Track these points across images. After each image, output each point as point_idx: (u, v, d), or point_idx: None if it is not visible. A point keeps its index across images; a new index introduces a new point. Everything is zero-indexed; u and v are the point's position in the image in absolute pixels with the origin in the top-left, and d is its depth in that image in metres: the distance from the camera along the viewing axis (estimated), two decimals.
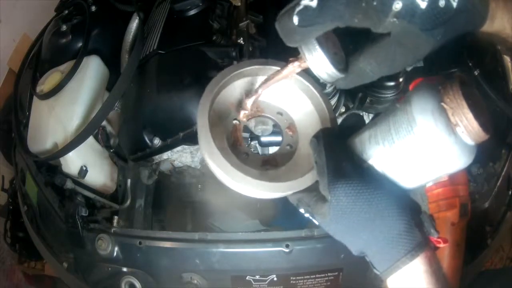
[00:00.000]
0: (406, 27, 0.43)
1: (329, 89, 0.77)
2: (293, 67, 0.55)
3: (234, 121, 0.63)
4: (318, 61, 0.51)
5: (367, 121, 0.86)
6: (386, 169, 0.51)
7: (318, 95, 0.62)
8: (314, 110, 0.64)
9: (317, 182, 0.52)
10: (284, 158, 0.62)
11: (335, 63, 0.52)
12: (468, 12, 0.45)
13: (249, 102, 0.60)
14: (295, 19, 0.46)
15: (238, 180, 0.54)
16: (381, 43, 0.47)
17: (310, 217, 0.53)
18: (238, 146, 0.61)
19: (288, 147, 0.63)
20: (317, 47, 0.51)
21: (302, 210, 0.54)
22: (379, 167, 0.51)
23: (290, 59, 0.56)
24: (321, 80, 0.55)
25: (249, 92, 0.61)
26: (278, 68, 0.59)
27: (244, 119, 0.63)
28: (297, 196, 0.55)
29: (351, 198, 0.47)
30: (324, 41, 0.52)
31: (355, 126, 0.56)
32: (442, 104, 0.45)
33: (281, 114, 0.65)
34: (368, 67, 0.49)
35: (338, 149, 0.52)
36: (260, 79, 0.64)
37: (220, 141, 0.59)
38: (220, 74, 0.61)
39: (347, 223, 0.48)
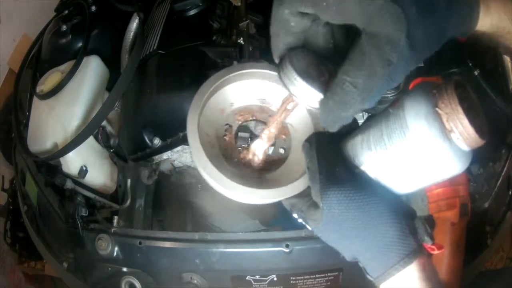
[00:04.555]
0: (361, 4, 0.40)
1: None
2: (287, 106, 0.54)
3: (225, 126, 0.62)
4: (302, 89, 0.48)
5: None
6: (379, 175, 0.49)
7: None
8: (307, 113, 0.63)
9: (310, 187, 0.51)
10: (277, 163, 0.61)
11: (321, 87, 0.48)
12: None
13: (253, 149, 0.59)
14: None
15: (227, 188, 0.53)
16: (353, 45, 0.44)
17: (304, 223, 0.53)
18: (230, 151, 0.61)
19: (281, 150, 0.62)
20: (295, 73, 0.48)
21: (295, 215, 0.54)
22: (372, 173, 0.50)
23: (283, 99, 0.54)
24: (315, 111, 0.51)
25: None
26: (266, 71, 0.59)
27: (237, 122, 0.63)
28: (290, 201, 0.54)
29: (343, 205, 0.46)
30: (305, 68, 0.49)
31: (347, 130, 0.54)
32: (437, 109, 0.44)
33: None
34: (347, 78, 0.43)
35: (331, 154, 0.51)
36: (251, 82, 0.63)
37: (212, 147, 0.58)
38: (210, 79, 0.60)
39: (340, 230, 0.47)
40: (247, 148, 0.60)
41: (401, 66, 0.43)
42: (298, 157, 0.60)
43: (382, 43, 0.41)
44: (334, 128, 0.47)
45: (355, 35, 0.44)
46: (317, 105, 0.49)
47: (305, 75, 0.48)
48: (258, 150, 0.59)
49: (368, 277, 0.49)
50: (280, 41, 0.50)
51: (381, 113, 0.50)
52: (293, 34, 0.49)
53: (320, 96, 0.48)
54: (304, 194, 0.53)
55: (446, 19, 0.44)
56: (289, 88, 0.50)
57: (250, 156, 0.59)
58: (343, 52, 0.47)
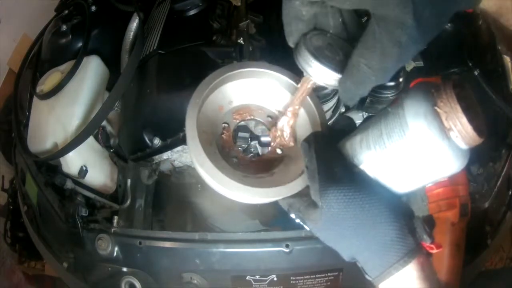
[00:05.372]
0: None
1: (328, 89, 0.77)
2: (306, 84, 0.56)
3: (223, 124, 0.62)
4: (318, 70, 0.52)
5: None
6: (378, 174, 0.50)
7: (308, 98, 0.62)
8: (305, 113, 0.63)
9: (308, 187, 0.51)
10: (275, 162, 0.61)
11: (337, 66, 0.52)
12: None
13: (279, 125, 0.61)
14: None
15: (225, 186, 0.53)
16: (367, 28, 0.46)
17: (301, 223, 0.53)
18: (227, 150, 0.61)
19: (278, 150, 0.62)
20: (310, 56, 0.51)
21: (293, 215, 0.54)
22: (371, 172, 0.50)
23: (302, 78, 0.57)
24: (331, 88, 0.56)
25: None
26: (263, 70, 0.60)
27: (235, 121, 0.63)
28: (287, 201, 0.54)
29: (342, 204, 0.46)
30: (319, 49, 0.52)
31: (346, 130, 0.55)
32: (436, 108, 0.44)
33: (271, 117, 0.64)
34: (361, 60, 0.47)
35: (329, 154, 0.51)
36: (251, 81, 0.63)
37: (209, 145, 0.58)
38: (210, 76, 0.60)
39: (339, 230, 0.48)
40: (275, 126, 0.61)
41: (410, 46, 0.45)
42: (296, 157, 0.60)
43: (391, 26, 0.43)
44: (352, 103, 0.53)
45: (363, 11, 0.47)
46: (333, 83, 0.53)
47: (320, 57, 0.52)
48: (286, 125, 0.60)
49: (367, 277, 0.48)
50: (293, 29, 0.53)
51: (380, 113, 0.51)
52: (304, 21, 0.52)
53: (335, 75, 0.52)
54: (302, 194, 0.53)
55: (452, 6, 0.45)
56: (307, 69, 0.53)
57: (278, 133, 0.61)
58: (352, 26, 0.53)
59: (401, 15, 0.42)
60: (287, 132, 0.61)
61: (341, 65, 0.52)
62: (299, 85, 0.58)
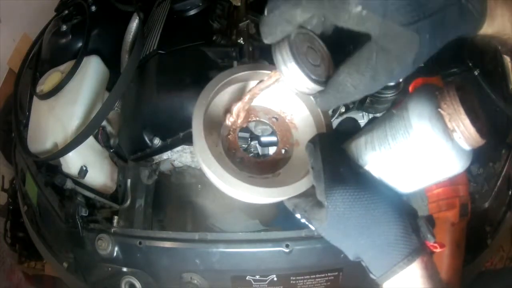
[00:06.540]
0: (383, 24, 0.42)
1: None
2: (274, 80, 0.55)
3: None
4: (295, 75, 0.50)
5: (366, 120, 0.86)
6: (382, 174, 0.50)
7: (313, 100, 0.62)
8: (310, 115, 0.63)
9: (313, 187, 0.51)
10: (280, 163, 0.62)
11: (312, 74, 0.50)
12: (460, 6, 0.43)
13: (234, 109, 0.59)
14: (266, 10, 0.47)
15: (231, 186, 0.53)
16: (362, 50, 0.45)
17: (307, 222, 0.53)
18: (232, 151, 0.61)
19: (283, 151, 0.63)
20: (292, 60, 0.49)
21: (298, 215, 0.54)
22: (376, 173, 0.51)
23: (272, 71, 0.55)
24: (299, 93, 0.53)
25: (238, 100, 0.61)
26: (269, 72, 0.59)
27: (237, 124, 0.63)
28: (293, 201, 0.55)
29: (348, 204, 0.47)
30: (301, 53, 0.50)
31: (350, 131, 0.55)
32: (439, 110, 0.45)
33: (276, 119, 0.65)
34: (349, 79, 0.46)
35: (335, 155, 0.52)
36: (253, 84, 0.63)
37: (215, 146, 0.59)
38: (214, 80, 0.60)
39: (344, 229, 0.48)
40: (230, 112, 0.59)
41: (401, 75, 0.46)
42: (301, 158, 0.61)
43: (391, 59, 0.44)
44: (327, 110, 0.56)
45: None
46: (306, 90, 0.51)
47: (300, 61, 0.49)
48: (241, 111, 0.59)
49: (371, 276, 0.49)
50: (278, 30, 0.50)
51: (384, 115, 0.52)
52: (294, 25, 0.50)
53: (311, 85, 0.50)
54: (307, 194, 0.54)
55: (453, 37, 0.46)
56: (281, 68, 0.50)
57: (234, 118, 0.59)
58: (328, 24, 0.50)
59: (405, 54, 0.43)
60: (241, 117, 0.60)
61: (319, 75, 0.50)
62: (266, 78, 0.56)
